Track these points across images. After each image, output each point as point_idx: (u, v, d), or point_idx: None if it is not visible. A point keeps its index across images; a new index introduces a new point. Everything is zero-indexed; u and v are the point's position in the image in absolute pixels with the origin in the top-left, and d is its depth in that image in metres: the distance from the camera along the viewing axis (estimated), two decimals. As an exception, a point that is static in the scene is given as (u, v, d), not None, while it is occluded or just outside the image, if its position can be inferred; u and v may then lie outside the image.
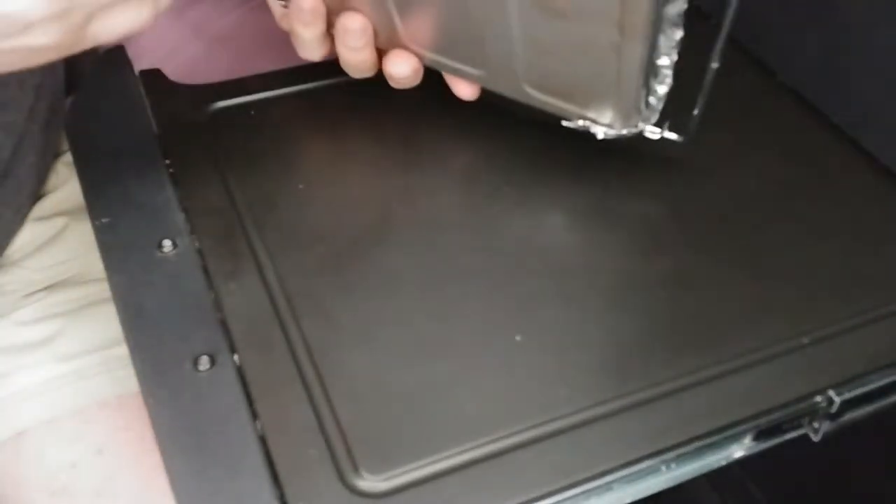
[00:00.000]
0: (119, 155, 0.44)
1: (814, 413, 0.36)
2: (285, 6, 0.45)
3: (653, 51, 0.38)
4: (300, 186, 0.45)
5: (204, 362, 0.35)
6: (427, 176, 0.46)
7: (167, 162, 0.44)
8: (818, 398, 0.36)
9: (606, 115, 0.42)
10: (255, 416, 0.34)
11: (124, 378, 0.51)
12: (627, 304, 0.40)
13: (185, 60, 0.60)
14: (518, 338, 0.38)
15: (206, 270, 0.39)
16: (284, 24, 0.46)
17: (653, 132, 0.43)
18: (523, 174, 0.45)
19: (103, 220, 0.41)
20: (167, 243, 0.40)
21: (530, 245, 0.42)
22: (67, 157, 0.55)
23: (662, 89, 0.40)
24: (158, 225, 0.41)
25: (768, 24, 0.51)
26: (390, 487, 0.32)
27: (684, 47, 0.38)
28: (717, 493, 0.67)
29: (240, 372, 0.35)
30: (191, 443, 0.33)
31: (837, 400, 0.36)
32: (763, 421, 0.35)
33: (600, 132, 0.43)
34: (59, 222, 0.54)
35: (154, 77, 0.49)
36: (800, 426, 0.37)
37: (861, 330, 0.39)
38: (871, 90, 0.47)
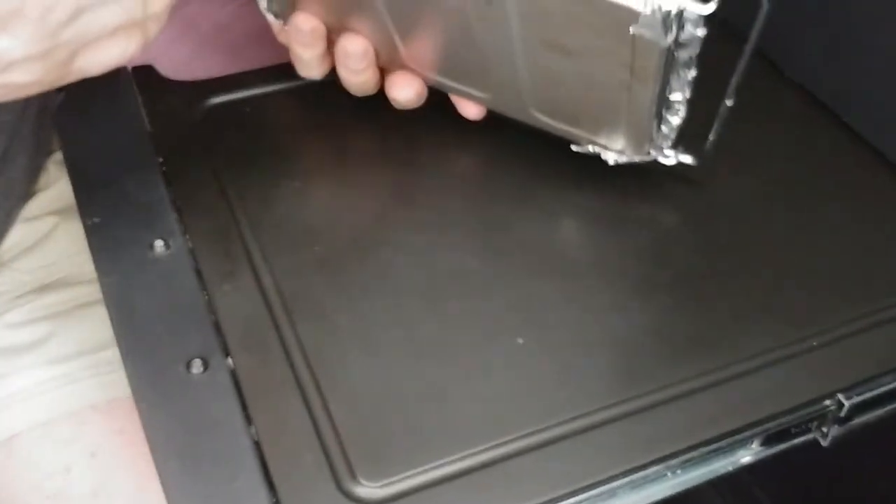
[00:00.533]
0: (111, 153, 0.44)
1: (823, 417, 0.36)
2: (284, 25, 0.44)
3: (665, 88, 0.38)
4: (296, 185, 0.44)
5: (197, 365, 0.35)
6: (428, 175, 0.45)
7: (160, 160, 0.44)
8: (827, 402, 0.36)
9: (617, 143, 0.42)
10: (249, 420, 0.34)
11: (116, 381, 0.51)
12: (631, 306, 0.39)
13: (178, 57, 0.59)
14: (520, 340, 0.37)
15: (199, 271, 0.39)
16: (283, 39, 0.46)
17: (667, 157, 0.42)
18: (526, 174, 0.45)
19: (94, 220, 0.41)
20: (159, 243, 0.40)
21: (532, 246, 0.42)
22: (58, 156, 0.55)
23: (676, 121, 0.40)
24: (151, 225, 0.40)
25: (775, 21, 0.51)
26: (388, 494, 0.32)
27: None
28: (721, 498, 0.67)
29: (234, 375, 0.35)
30: (184, 448, 0.33)
31: (847, 403, 0.35)
32: (771, 425, 0.35)
33: (611, 158, 0.43)
34: (50, 222, 0.54)
35: (146, 73, 0.49)
36: (808, 430, 0.36)
37: (871, 332, 0.38)
38: (879, 87, 0.46)
